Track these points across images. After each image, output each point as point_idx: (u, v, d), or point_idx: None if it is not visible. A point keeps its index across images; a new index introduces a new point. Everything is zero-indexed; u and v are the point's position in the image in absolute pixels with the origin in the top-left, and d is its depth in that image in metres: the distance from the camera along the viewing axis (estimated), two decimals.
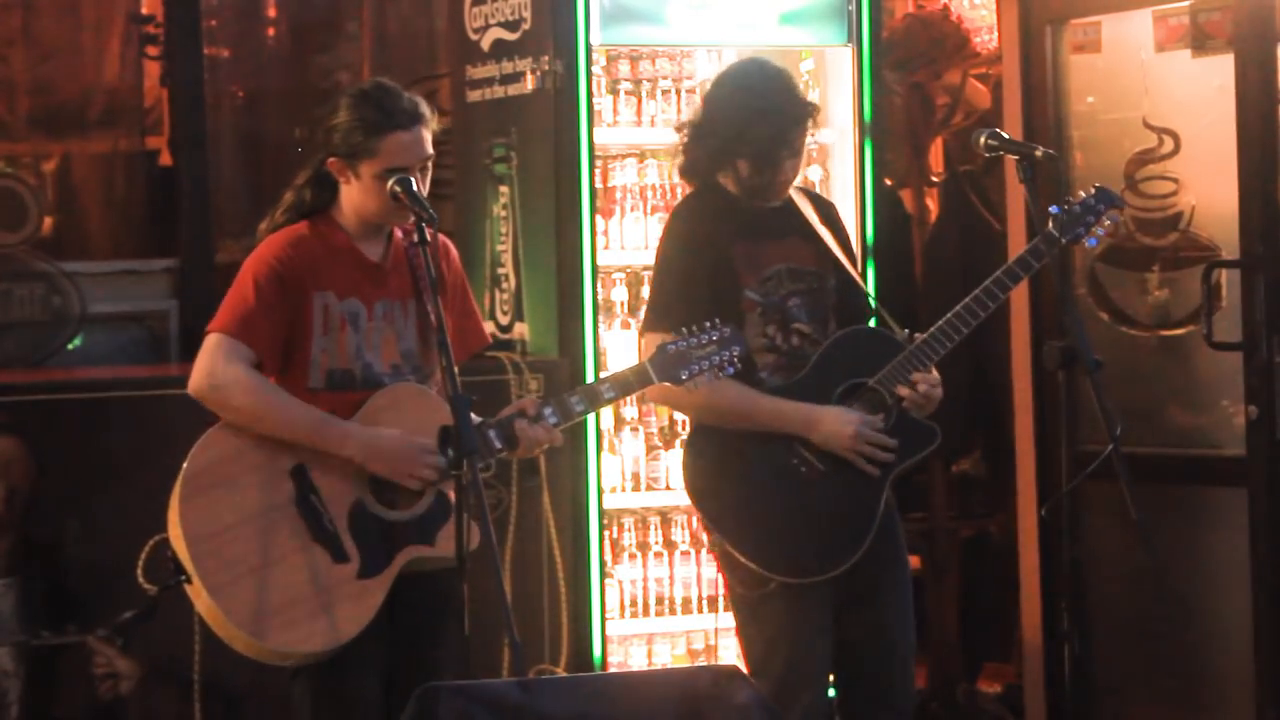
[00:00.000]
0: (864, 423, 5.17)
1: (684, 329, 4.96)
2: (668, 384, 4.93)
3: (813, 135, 5.42)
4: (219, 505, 4.68)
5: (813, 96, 6.81)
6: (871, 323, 5.46)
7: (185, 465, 4.71)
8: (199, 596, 4.67)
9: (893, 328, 5.32)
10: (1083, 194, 5.25)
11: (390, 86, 4.85)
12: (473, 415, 4.58)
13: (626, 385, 4.94)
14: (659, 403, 6.17)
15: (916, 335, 5.24)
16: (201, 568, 4.64)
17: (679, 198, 6.69)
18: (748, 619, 5.32)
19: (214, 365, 4.72)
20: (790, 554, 5.20)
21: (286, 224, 4.86)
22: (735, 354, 4.95)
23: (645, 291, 6.60)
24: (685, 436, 5.50)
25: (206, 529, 4.65)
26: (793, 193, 5.41)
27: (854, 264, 5.42)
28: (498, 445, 4.78)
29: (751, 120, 5.24)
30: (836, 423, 5.17)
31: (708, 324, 4.97)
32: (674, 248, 5.34)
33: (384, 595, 4.73)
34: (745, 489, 5.23)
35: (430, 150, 4.81)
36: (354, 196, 4.83)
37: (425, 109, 4.83)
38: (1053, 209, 5.18)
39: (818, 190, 6.25)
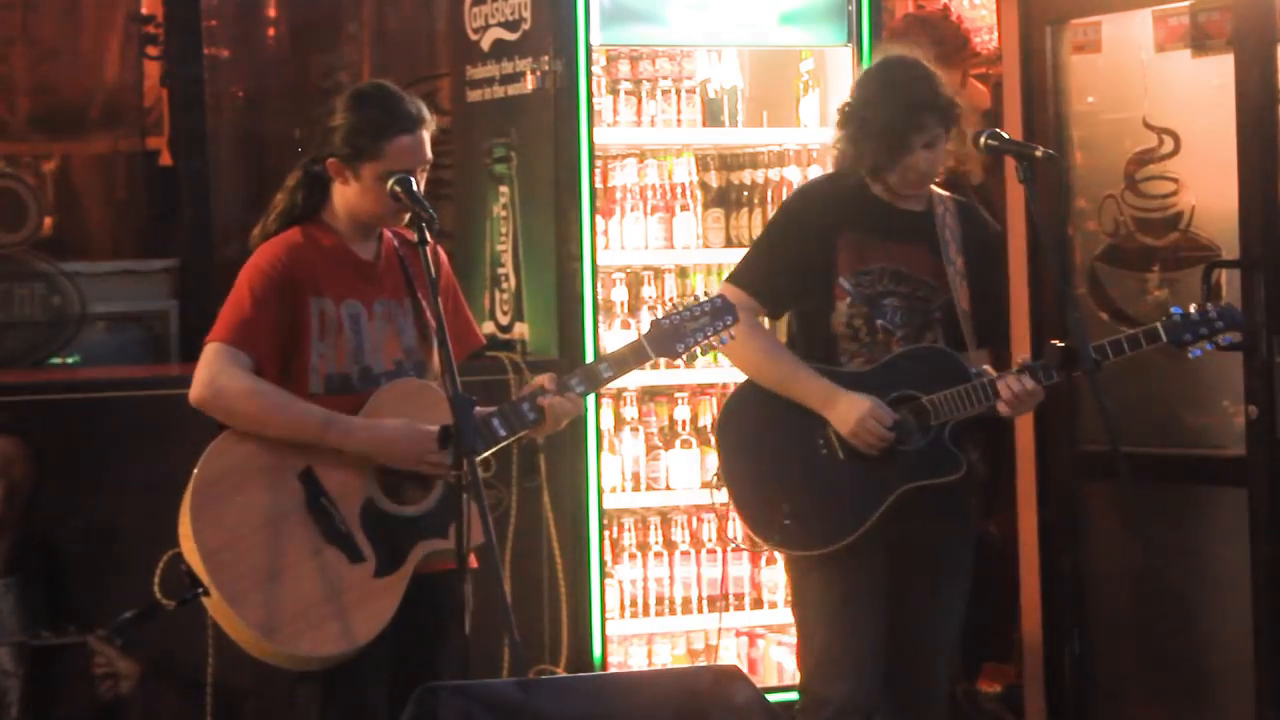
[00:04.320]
0: (873, 411, 5.17)
1: (674, 303, 4.97)
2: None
3: (949, 139, 5.29)
4: (230, 514, 4.66)
5: (813, 96, 6.83)
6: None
7: (194, 476, 4.68)
8: (217, 608, 4.64)
9: (969, 364, 5.29)
10: (1209, 307, 5.23)
11: (393, 89, 4.87)
12: (479, 408, 4.58)
13: (623, 362, 4.92)
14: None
15: (990, 372, 5.25)
16: (218, 579, 4.62)
17: (679, 197, 6.72)
18: (794, 597, 5.42)
19: (213, 373, 4.70)
20: (781, 521, 5.24)
21: (279, 231, 4.86)
22: (729, 324, 4.93)
23: (644, 289, 6.65)
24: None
25: (220, 540, 4.64)
26: (945, 205, 5.38)
27: (983, 297, 5.36)
28: (502, 433, 4.78)
29: (885, 98, 5.25)
30: (849, 405, 5.19)
31: (700, 296, 4.98)
32: (777, 218, 5.47)
33: (402, 592, 4.72)
34: (763, 446, 5.30)
35: (430, 155, 4.82)
36: (350, 197, 4.82)
37: (426, 112, 4.84)
38: (1174, 310, 5.21)
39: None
